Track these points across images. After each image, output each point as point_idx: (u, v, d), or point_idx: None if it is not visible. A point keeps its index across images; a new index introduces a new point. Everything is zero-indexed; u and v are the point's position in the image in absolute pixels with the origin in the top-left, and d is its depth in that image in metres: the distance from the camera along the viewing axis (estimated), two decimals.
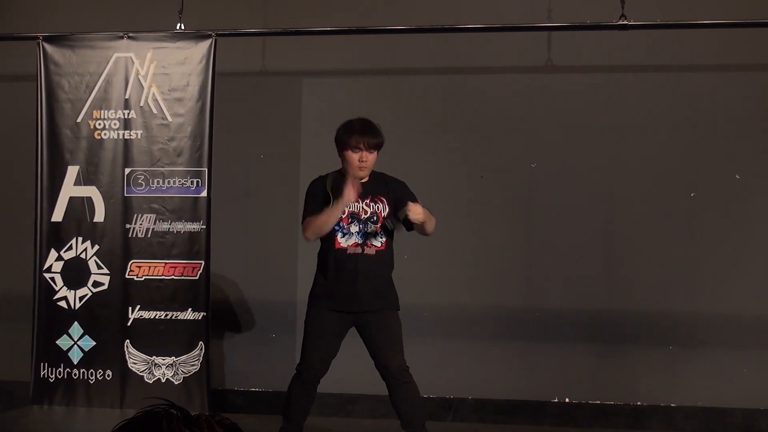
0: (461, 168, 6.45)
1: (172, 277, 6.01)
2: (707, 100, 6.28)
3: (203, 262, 5.96)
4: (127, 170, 6.12)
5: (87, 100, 6.18)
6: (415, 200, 5.04)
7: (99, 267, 6.08)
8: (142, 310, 6.02)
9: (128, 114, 6.13)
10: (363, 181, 5.00)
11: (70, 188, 6.16)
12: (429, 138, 6.47)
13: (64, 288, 6.10)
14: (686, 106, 6.28)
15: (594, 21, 5.90)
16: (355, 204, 5.00)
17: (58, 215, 6.15)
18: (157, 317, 6.00)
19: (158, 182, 6.08)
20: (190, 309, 5.96)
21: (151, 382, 5.97)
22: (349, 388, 6.35)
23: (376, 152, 5.02)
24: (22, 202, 6.50)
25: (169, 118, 6.09)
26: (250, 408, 6.23)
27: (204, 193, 6.01)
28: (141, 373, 6.00)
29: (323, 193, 5.03)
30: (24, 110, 6.48)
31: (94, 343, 6.07)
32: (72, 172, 6.17)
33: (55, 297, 6.11)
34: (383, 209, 5.08)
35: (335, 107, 6.53)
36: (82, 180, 6.15)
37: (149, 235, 6.06)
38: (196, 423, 1.59)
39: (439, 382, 6.29)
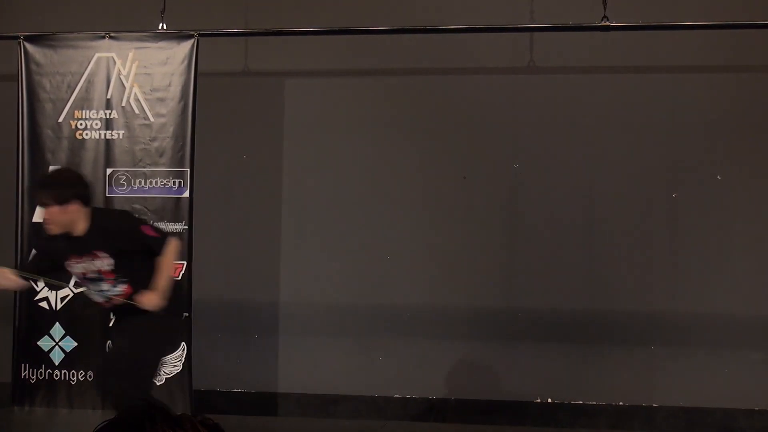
0: (444, 168, 6.45)
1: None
2: (689, 100, 6.30)
3: (185, 263, 5.93)
4: (109, 170, 6.09)
5: (68, 100, 6.16)
6: (143, 233, 4.88)
7: None
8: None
9: (110, 114, 6.11)
10: (77, 235, 4.79)
11: None
12: (411, 138, 6.46)
13: (46, 289, 6.08)
14: (668, 107, 6.29)
15: (576, 22, 5.92)
16: (78, 262, 4.85)
17: (39, 215, 6.12)
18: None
19: (140, 182, 6.05)
20: (172, 309, 5.93)
21: None
22: (331, 389, 6.36)
23: (73, 205, 4.70)
24: (3, 203, 6.46)
25: (151, 119, 6.07)
26: (232, 409, 6.22)
27: (186, 194, 5.98)
28: None
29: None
30: (5, 110, 6.44)
31: (76, 343, 6.04)
32: None
33: (36, 298, 6.08)
34: (103, 265, 4.87)
35: (318, 108, 6.55)
36: None
37: None
38: (179, 423, 1.58)
39: (421, 382, 6.31)
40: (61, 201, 4.70)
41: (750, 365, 6.14)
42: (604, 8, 5.66)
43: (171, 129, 6.05)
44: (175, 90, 6.05)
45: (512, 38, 6.31)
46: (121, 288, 4.86)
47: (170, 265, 4.88)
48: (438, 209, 6.38)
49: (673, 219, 6.28)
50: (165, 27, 6.11)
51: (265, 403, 6.37)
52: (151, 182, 6.04)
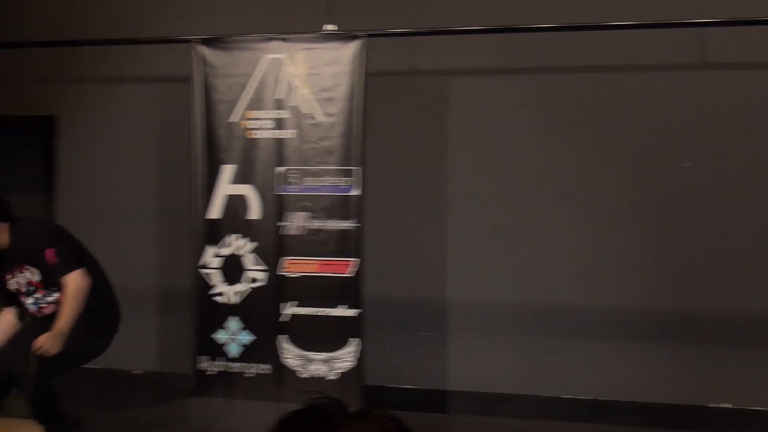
0: (610, 167, 6.38)
1: (325, 274, 6.11)
2: None
3: (356, 260, 6.05)
4: (280, 169, 6.24)
5: (241, 100, 6.33)
6: (45, 258, 4.98)
7: (255, 263, 6.23)
8: (297, 306, 6.14)
9: (281, 114, 6.25)
10: (2, 250, 5.02)
11: (225, 186, 6.32)
12: (577, 137, 6.41)
13: (222, 283, 6.28)
14: None
15: (748, 16, 5.75)
16: (11, 274, 5.04)
17: (214, 213, 6.32)
18: (311, 313, 6.12)
19: (310, 181, 6.18)
20: (343, 306, 6.06)
21: (306, 377, 6.10)
22: (500, 387, 6.37)
23: None
24: (179, 201, 6.70)
25: (321, 118, 6.19)
26: (402, 405, 6.31)
27: (355, 191, 6.08)
28: (296, 368, 6.12)
29: None
30: (180, 112, 6.68)
31: (252, 337, 6.23)
32: (227, 171, 6.32)
33: (213, 292, 6.29)
34: (32, 275, 5.07)
35: (483, 106, 6.55)
36: (237, 179, 6.30)
37: (302, 233, 6.17)
38: (363, 417, 1.58)
39: (589, 383, 6.27)
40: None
41: None
42: None
43: (340, 128, 6.15)
44: (344, 90, 6.15)
45: (680, 34, 6.16)
46: (55, 296, 5.09)
47: (71, 304, 4.99)
48: (606, 209, 6.31)
49: None
50: (333, 28, 6.22)
51: (435, 399, 6.44)
52: (320, 180, 6.16)
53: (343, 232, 6.10)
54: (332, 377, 6.05)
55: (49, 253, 5.03)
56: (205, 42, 6.40)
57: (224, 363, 6.25)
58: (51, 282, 5.05)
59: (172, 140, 7.01)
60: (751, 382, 6.13)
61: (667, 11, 6.11)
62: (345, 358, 6.04)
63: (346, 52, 6.16)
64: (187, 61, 6.39)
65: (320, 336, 6.09)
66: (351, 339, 6.03)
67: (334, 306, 6.07)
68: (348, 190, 6.10)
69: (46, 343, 4.88)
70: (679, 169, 6.26)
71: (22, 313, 5.38)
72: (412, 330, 6.59)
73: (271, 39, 6.31)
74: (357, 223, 6.07)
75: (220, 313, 6.27)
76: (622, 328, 6.27)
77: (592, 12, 6.22)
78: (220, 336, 6.27)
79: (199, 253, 6.32)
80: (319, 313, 6.09)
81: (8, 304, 5.31)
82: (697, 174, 6.23)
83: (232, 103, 6.33)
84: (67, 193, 7.33)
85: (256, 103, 6.30)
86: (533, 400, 6.31)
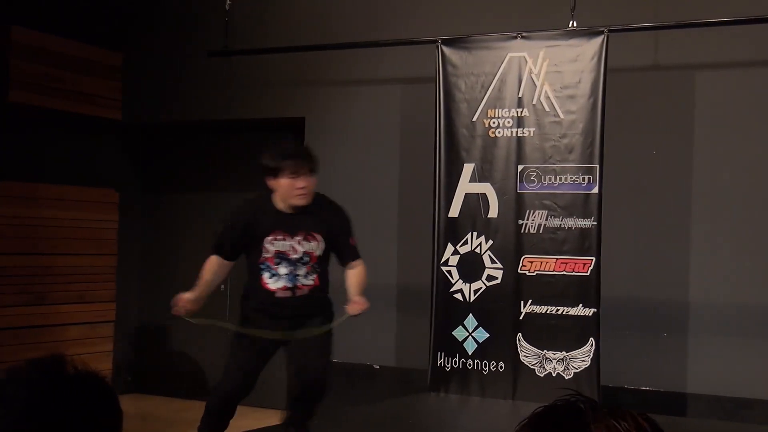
0: None
1: (563, 272, 6.05)
2: None
3: (594, 259, 5.96)
4: (520, 167, 6.23)
5: (482, 99, 6.35)
6: (349, 240, 5.04)
7: (493, 261, 6.25)
8: (534, 304, 6.11)
9: (521, 112, 6.24)
10: (298, 212, 4.97)
11: (465, 185, 6.37)
12: None
13: (460, 281, 6.33)
14: None
15: None
16: (282, 242, 4.91)
17: (454, 211, 6.38)
18: (548, 312, 6.07)
19: (550, 179, 6.14)
20: (580, 305, 5.98)
21: (542, 375, 6.05)
22: (743, 392, 6.11)
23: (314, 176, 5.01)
24: (421, 200, 6.80)
25: (561, 116, 6.14)
26: (640, 407, 6.13)
27: (595, 190, 5.99)
28: (532, 366, 6.09)
29: (242, 227, 5.05)
30: (422, 112, 6.79)
31: (488, 335, 6.24)
32: (468, 169, 6.37)
33: (452, 290, 6.34)
34: (317, 248, 4.95)
35: (730, 101, 6.31)
36: (477, 177, 6.34)
37: (541, 231, 6.13)
38: (618, 414, 1.54)
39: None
40: (315, 171, 5.02)
41: None
42: None
43: (580, 126, 6.08)
44: (585, 87, 6.08)
45: None
46: (312, 279, 5.06)
47: (364, 281, 5.15)
48: None
49: None
50: (575, 24, 6.16)
51: (674, 402, 6.24)
52: (560, 178, 6.10)
53: (583, 231, 6.02)
54: (568, 376, 5.98)
55: (352, 238, 5.29)
56: (448, 42, 6.48)
57: (461, 360, 6.29)
58: (323, 261, 5.14)
59: (415, 140, 7.13)
60: None
61: None
62: (581, 357, 5.96)
63: (588, 48, 6.08)
64: (430, 62, 6.50)
65: (556, 335, 6.03)
66: (588, 338, 5.94)
67: (571, 305, 6.00)
68: (588, 188, 6.02)
69: (363, 305, 5.08)
70: None
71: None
72: (651, 331, 6.42)
73: (513, 37, 6.32)
74: (596, 221, 5.98)
75: (458, 311, 6.32)
76: None
77: None
78: (458, 333, 6.31)
79: (440, 250, 6.39)
80: (556, 312, 6.04)
81: (225, 257, 5.27)
82: None
83: (474, 102, 6.38)
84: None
85: (497, 102, 6.32)
86: None
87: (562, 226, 6.08)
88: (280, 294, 5.03)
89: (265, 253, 5.01)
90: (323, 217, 5.13)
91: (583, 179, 6.04)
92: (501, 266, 6.23)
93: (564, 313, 6.02)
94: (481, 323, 6.26)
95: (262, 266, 5.02)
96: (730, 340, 6.21)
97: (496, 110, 6.32)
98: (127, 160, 8.72)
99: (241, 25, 7.50)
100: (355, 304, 5.10)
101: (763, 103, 6.23)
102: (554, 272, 6.07)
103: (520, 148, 6.24)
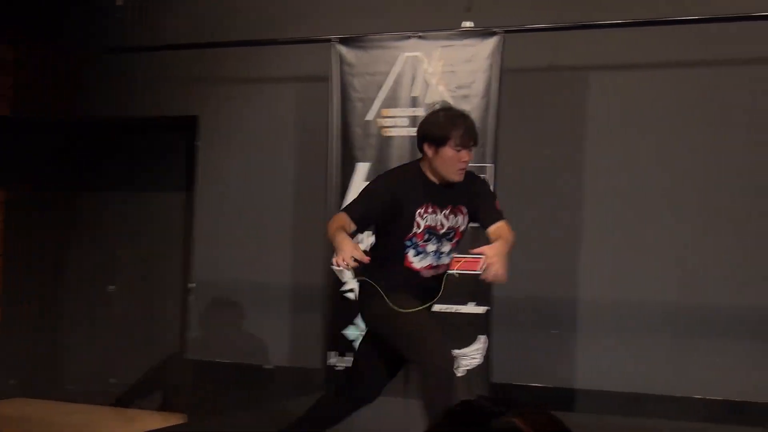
0: (756, 165, 6.14)
1: (458, 271, 6.03)
2: None
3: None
4: None
5: (377, 99, 6.35)
6: (494, 203, 4.56)
7: None
8: None
9: (416, 112, 6.25)
10: (447, 185, 4.50)
11: (360, 184, 6.34)
12: (721, 133, 6.20)
13: (353, 280, 6.28)
14: None
15: None
16: (432, 216, 4.44)
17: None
18: (441, 310, 6.04)
19: None
20: (473, 303, 5.99)
21: None
22: (630, 387, 6.23)
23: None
24: (315, 200, 6.76)
25: None
26: (530, 403, 6.19)
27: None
28: None
29: (389, 200, 4.39)
30: (317, 111, 6.74)
31: None
32: (362, 168, 6.34)
33: (343, 288, 6.31)
34: (462, 222, 4.53)
35: (622, 103, 6.42)
36: (371, 177, 6.31)
37: None
38: (530, 411, 1.54)
39: (720, 383, 6.08)
40: (476, 145, 4.54)
41: None
42: None
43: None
44: (479, 87, 6.10)
45: None
46: (451, 257, 4.65)
47: (510, 239, 4.51)
48: (752, 207, 6.09)
49: None
50: (470, 25, 6.19)
51: (563, 398, 6.32)
52: None
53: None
54: (459, 374, 5.97)
55: (497, 202, 4.76)
56: (344, 41, 6.46)
57: (352, 358, 6.24)
58: (461, 239, 4.68)
59: (310, 139, 7.09)
60: None
61: None
62: (472, 355, 5.97)
63: (483, 48, 6.11)
64: (325, 61, 6.46)
65: (449, 333, 6.01)
66: (479, 336, 5.95)
67: (463, 303, 6.01)
68: None
69: (492, 268, 4.21)
70: None
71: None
72: (542, 328, 6.48)
73: (408, 37, 6.32)
74: None
75: (349, 310, 6.28)
76: (756, 328, 6.04)
77: (738, 2, 6.01)
78: (350, 332, 6.27)
79: (332, 250, 6.34)
80: (448, 310, 6.04)
81: (355, 222, 4.50)
82: None
83: (369, 101, 6.36)
84: (207, 192, 7.48)
85: (391, 101, 6.31)
86: (662, 399, 6.13)
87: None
88: (425, 273, 4.56)
89: (416, 228, 4.48)
90: (467, 189, 4.65)
91: None
92: None
93: (456, 311, 6.03)
94: None
95: (408, 243, 4.49)
96: (618, 337, 6.30)
97: (391, 110, 6.31)
98: (16, 157, 8.48)
99: (138, 21, 7.38)
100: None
101: (654, 105, 6.35)
102: (449, 271, 6.06)
103: (415, 147, 6.21)
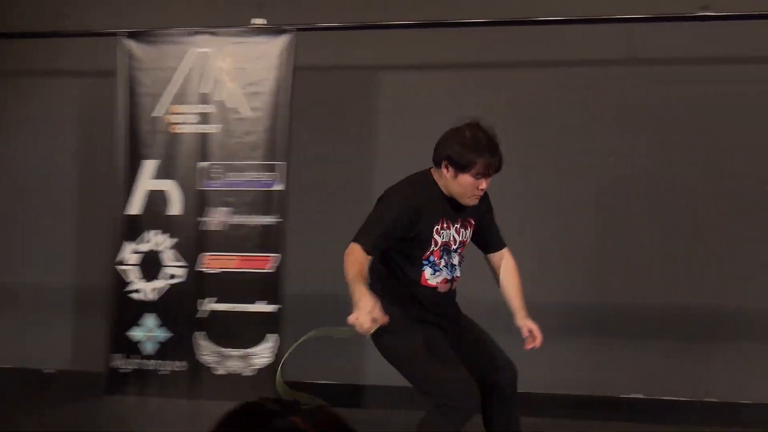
0: (538, 162, 6.35)
1: (246, 270, 5.99)
2: None
3: (277, 255, 5.94)
4: (204, 164, 6.13)
5: (166, 95, 6.21)
6: (493, 218, 4.40)
7: (175, 259, 6.10)
8: (217, 302, 6.01)
9: (206, 108, 6.15)
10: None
11: (147, 182, 6.19)
12: (507, 132, 6.33)
13: (139, 280, 6.13)
14: None
15: (675, 12, 5.81)
16: (447, 231, 4.19)
17: (135, 208, 6.18)
18: (229, 309, 5.99)
19: (233, 176, 6.07)
20: (263, 301, 5.94)
21: (221, 373, 5.96)
22: None
23: None
24: (100, 197, 6.56)
25: (247, 113, 6.09)
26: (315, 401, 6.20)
27: (279, 187, 5.98)
28: (211, 365, 5.98)
29: (407, 221, 4.05)
30: (104, 106, 6.54)
31: (171, 334, 6.07)
32: (149, 166, 6.19)
33: (129, 289, 6.14)
34: (469, 235, 4.31)
35: (413, 102, 6.51)
36: (159, 174, 6.17)
37: (224, 229, 6.05)
38: (308, 410, 1.50)
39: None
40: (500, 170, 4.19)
41: None
42: None
43: (265, 123, 6.05)
44: (270, 84, 6.06)
45: (611, 29, 6.18)
46: (461, 270, 4.33)
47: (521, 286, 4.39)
48: (532, 204, 6.29)
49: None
50: (262, 22, 6.14)
51: (351, 394, 6.38)
52: (244, 175, 6.05)
53: (266, 228, 5.99)
54: (249, 373, 5.92)
55: (495, 218, 4.47)
56: (132, 35, 6.29)
57: (138, 361, 6.09)
58: (463, 249, 4.34)
59: (95, 136, 6.86)
60: (661, 373, 6.17)
61: (599, 8, 6.13)
62: (262, 354, 5.91)
63: (274, 46, 6.08)
64: (112, 55, 6.28)
65: (238, 332, 5.96)
66: (269, 335, 5.91)
67: (253, 302, 5.95)
68: (271, 185, 6.01)
69: (539, 336, 4.22)
70: (605, 164, 6.27)
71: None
72: (332, 326, 6.48)
73: (198, 33, 6.22)
74: (280, 218, 5.97)
75: (135, 310, 6.12)
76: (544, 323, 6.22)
77: (524, 6, 6.21)
78: (136, 333, 6.10)
79: (118, 248, 6.17)
80: (237, 309, 5.96)
81: (370, 252, 4.08)
82: (621, 168, 6.25)
83: (157, 97, 6.22)
84: None
85: (181, 98, 6.19)
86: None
87: (245, 223, 6.03)
88: (441, 289, 4.23)
89: (434, 246, 4.17)
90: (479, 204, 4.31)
91: (267, 176, 6.02)
92: (184, 264, 6.09)
93: (246, 310, 5.96)
94: (165, 322, 6.08)
95: (426, 262, 4.19)
96: None
97: (180, 106, 6.19)
98: None
99: None
100: (534, 334, 4.25)
101: (443, 104, 6.47)
102: (237, 269, 6.00)
103: (205, 144, 6.14)
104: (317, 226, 6.52)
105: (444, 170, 4.14)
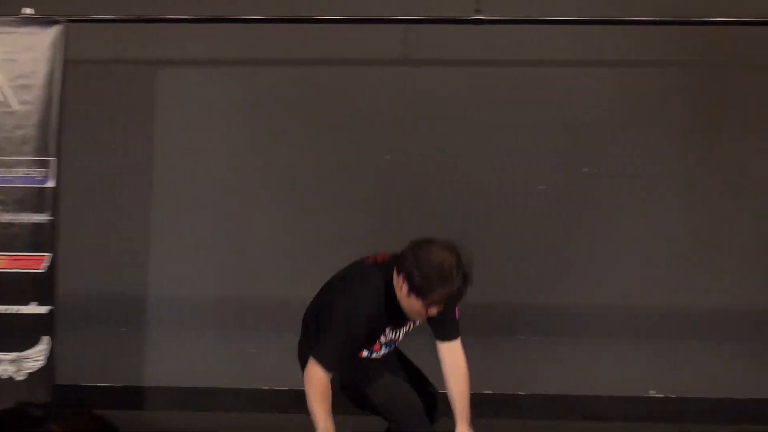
0: (315, 161, 6.40)
1: (15, 270, 5.76)
2: (570, 96, 6.35)
3: (48, 254, 5.74)
4: None
5: None
6: (455, 313, 4.35)
7: None
8: None
9: None
10: None
11: None
12: (284, 130, 6.41)
13: None
14: (543, 101, 6.34)
15: (450, 14, 5.96)
16: (394, 332, 4.31)
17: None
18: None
19: (2, 172, 5.82)
20: (34, 303, 5.73)
21: None
22: (201, 382, 6.26)
23: None
24: None
25: (16, 106, 5.85)
26: (99, 403, 6.04)
27: (50, 183, 5.78)
28: None
29: (363, 336, 4.16)
30: None
31: None
32: None
33: None
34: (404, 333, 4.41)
35: (190, 98, 6.46)
36: None
37: None
38: (71, 415, 1.50)
39: (289, 373, 6.24)
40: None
41: (639, 355, 6.30)
42: (476, 1, 5.73)
43: (36, 117, 5.82)
44: (41, 77, 5.83)
45: (385, 30, 6.29)
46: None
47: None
48: (308, 202, 6.35)
49: (558, 214, 6.33)
50: (31, 12, 5.92)
51: (131, 396, 6.27)
52: (13, 172, 5.81)
53: (37, 226, 5.78)
54: (20, 377, 5.70)
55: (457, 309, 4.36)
56: None
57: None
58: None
59: None
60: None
61: (375, 9, 6.22)
62: (35, 357, 5.71)
63: (45, 37, 5.85)
64: None
65: (8, 335, 5.72)
66: (42, 337, 5.71)
67: (23, 303, 5.73)
68: (43, 182, 5.79)
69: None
70: (381, 162, 6.38)
71: None
72: (111, 326, 6.38)
73: None
74: (51, 216, 5.78)
75: None
76: None
77: (300, 5, 6.24)
78: None
79: None
80: (8, 311, 5.73)
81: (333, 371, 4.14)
82: (398, 167, 6.37)
83: None
84: None
85: None
86: (235, 392, 6.29)
87: (14, 221, 5.79)
88: (375, 354, 4.36)
89: (375, 344, 4.32)
90: None
91: (38, 172, 5.80)
92: None
93: (16, 311, 5.74)
94: None
95: (366, 352, 4.34)
96: (187, 333, 6.36)
97: None
98: None
99: None
100: None
101: (221, 101, 6.45)
102: (5, 270, 5.76)
103: None
104: (91, 224, 6.38)
105: (401, 282, 4.05)
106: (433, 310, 4.05)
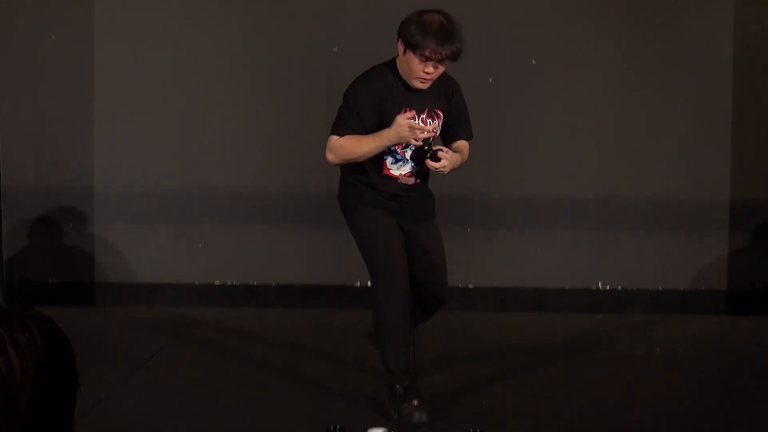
0: (263, 49, 6.31)
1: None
2: None
3: None
4: None
5: None
6: (468, 120, 4.51)
7: None
8: None
9: None
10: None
11: None
12: (231, 16, 6.26)
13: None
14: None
15: None
16: (416, 117, 4.26)
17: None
18: None
19: None
20: None
21: None
22: (150, 277, 6.27)
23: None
24: None
25: None
26: (47, 300, 5.87)
27: None
28: None
29: (371, 108, 4.22)
30: None
31: None
32: None
33: None
34: (439, 126, 4.39)
35: None
36: None
37: None
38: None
39: (241, 268, 6.31)
40: (454, 60, 4.22)
41: (560, 245, 6.38)
42: None
43: None
44: None
45: None
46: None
47: (465, 156, 4.51)
48: (258, 91, 6.25)
49: (488, 103, 6.34)
50: None
51: (82, 292, 6.25)
52: None
53: None
54: None
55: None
56: None
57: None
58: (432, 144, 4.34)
59: None
60: None
61: None
62: None
63: None
64: None
65: None
66: None
67: None
68: None
69: (448, 161, 4.22)
70: (329, 53, 6.29)
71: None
72: (57, 222, 6.29)
73: None
74: None
75: None
76: (273, 213, 6.30)
77: None
78: None
79: None
80: None
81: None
82: (346, 58, 6.28)
83: None
84: None
85: None
86: (184, 287, 6.29)
87: None
88: (403, 181, 4.34)
89: (396, 124, 4.18)
90: (445, 93, 4.40)
91: None
92: None
93: None
94: None
95: (387, 151, 4.27)
96: (135, 227, 6.30)
97: None
98: None
99: None
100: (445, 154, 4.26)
101: None
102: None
103: None
104: (32, 115, 6.24)
105: (399, 47, 4.21)
106: (429, 68, 4.15)
